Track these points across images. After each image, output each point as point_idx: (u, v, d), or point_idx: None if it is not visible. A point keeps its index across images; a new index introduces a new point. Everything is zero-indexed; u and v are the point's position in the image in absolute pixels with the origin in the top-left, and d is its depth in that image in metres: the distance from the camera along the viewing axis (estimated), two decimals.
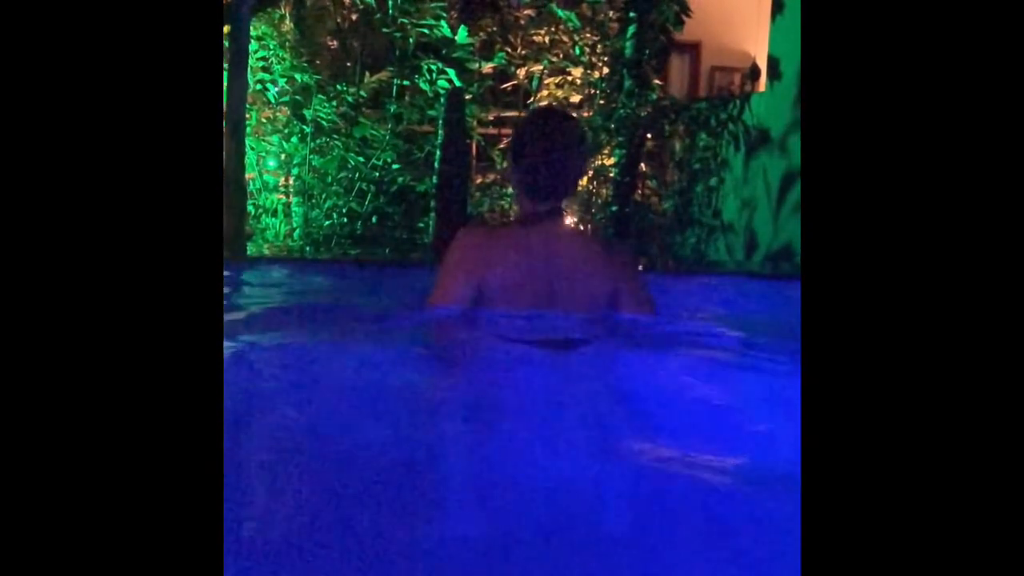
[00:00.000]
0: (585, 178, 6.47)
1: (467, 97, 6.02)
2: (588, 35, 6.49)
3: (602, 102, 6.37)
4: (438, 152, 5.93)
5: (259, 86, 5.65)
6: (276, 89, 5.76)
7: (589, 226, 6.52)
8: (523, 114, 6.42)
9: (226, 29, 5.57)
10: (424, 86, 5.74)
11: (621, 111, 6.06)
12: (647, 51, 6.13)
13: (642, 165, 6.40)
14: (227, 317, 2.28)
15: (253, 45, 5.38)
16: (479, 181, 6.74)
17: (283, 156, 5.93)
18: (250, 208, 5.58)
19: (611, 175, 6.35)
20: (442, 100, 5.83)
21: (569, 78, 6.63)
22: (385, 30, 5.77)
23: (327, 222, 5.85)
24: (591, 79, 6.55)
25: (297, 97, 5.73)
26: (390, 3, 5.66)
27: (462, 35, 5.67)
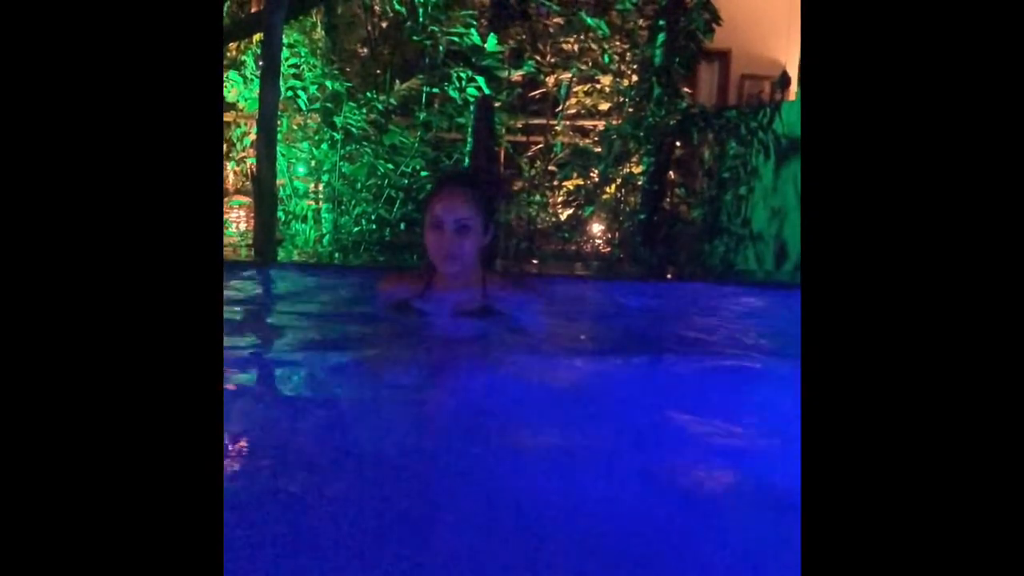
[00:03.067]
0: (613, 186, 6.47)
1: (496, 105, 6.04)
2: (617, 43, 6.48)
3: (631, 110, 6.36)
4: (467, 160, 5.96)
5: (290, 93, 5.71)
6: (307, 96, 5.81)
7: (616, 234, 6.50)
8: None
9: (258, 37, 5.64)
10: (453, 94, 5.77)
11: (650, 119, 6.04)
12: (676, 59, 6.11)
13: (671, 173, 6.38)
14: None
15: (285, 52, 5.44)
16: (507, 189, 6.76)
17: (313, 163, 5.99)
18: (280, 214, 5.63)
19: (639, 183, 6.34)
20: (471, 108, 5.86)
21: (598, 86, 6.63)
22: (415, 38, 5.81)
23: (356, 228, 5.90)
24: (620, 87, 6.54)
25: (328, 104, 5.78)
26: (420, 11, 5.70)
27: (491, 43, 5.70)
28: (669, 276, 5.79)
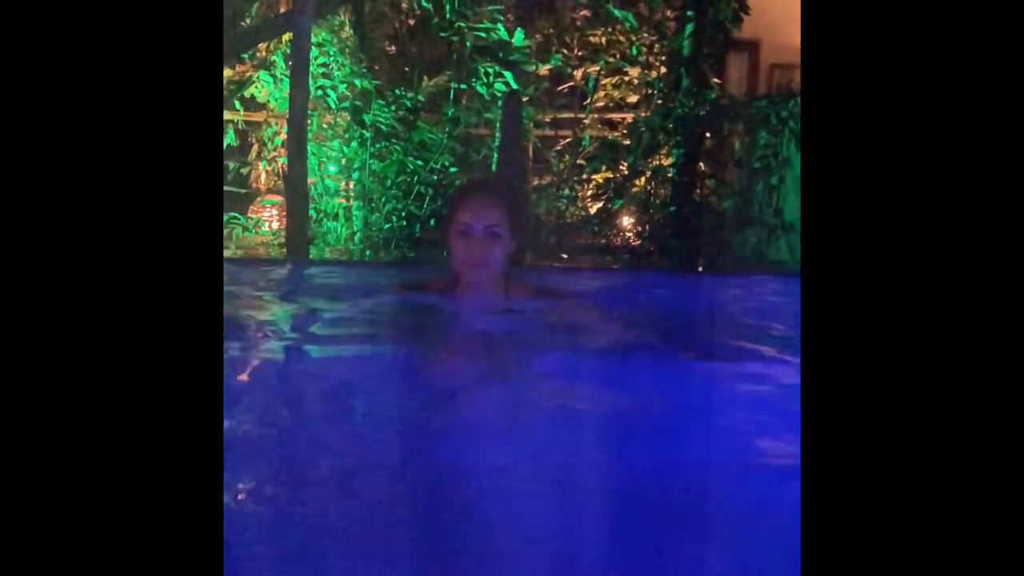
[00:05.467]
0: (643, 178, 6.44)
1: (524, 99, 6.03)
2: (645, 35, 6.45)
3: (660, 102, 6.32)
4: (495, 155, 5.96)
5: (320, 92, 5.75)
6: (336, 95, 5.85)
7: (647, 226, 6.47)
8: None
9: (287, 37, 5.69)
10: (481, 89, 5.77)
11: (679, 110, 6.00)
12: (705, 50, 6.07)
13: (701, 164, 6.34)
14: None
15: (314, 52, 5.48)
16: (535, 183, 6.76)
17: (343, 161, 6.03)
18: (312, 213, 5.68)
19: (669, 175, 6.30)
20: (499, 103, 5.86)
21: (626, 78, 6.60)
22: (442, 34, 5.82)
23: (387, 225, 5.93)
24: (648, 79, 6.50)
25: (357, 102, 5.81)
26: (447, 7, 5.71)
27: (519, 38, 5.69)
28: (700, 268, 5.76)
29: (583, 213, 6.57)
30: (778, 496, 1.19)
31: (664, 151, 6.29)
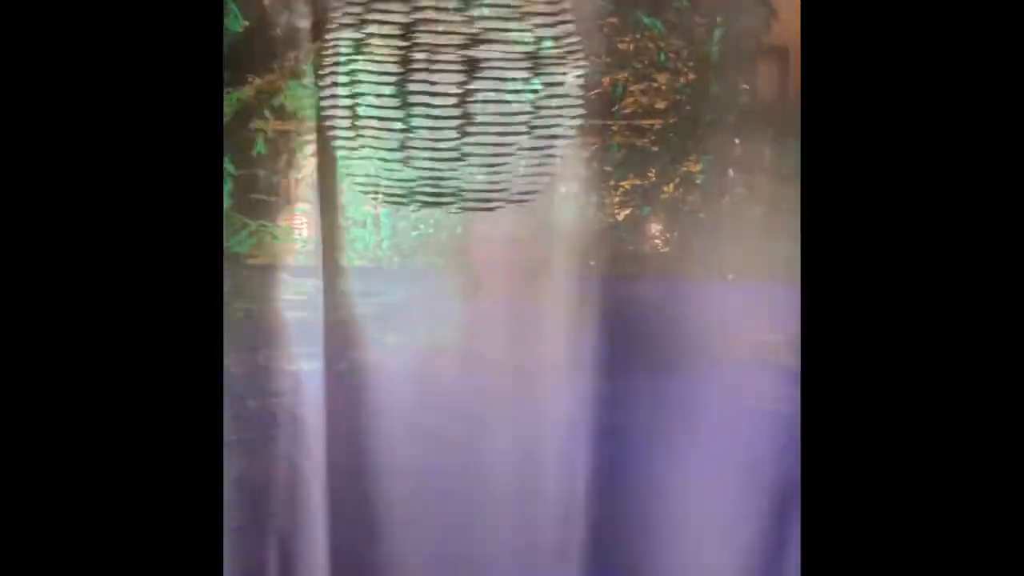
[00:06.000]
0: (671, 185, 6.41)
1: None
2: (674, 41, 6.42)
3: (689, 108, 6.29)
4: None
5: (349, 100, 5.79)
6: (365, 103, 5.89)
7: (675, 233, 6.44)
8: None
9: (317, 46, 5.74)
10: (509, 97, 5.78)
11: (708, 117, 5.97)
12: (734, 55, 6.04)
13: (730, 171, 6.30)
14: None
15: (343, 60, 5.51)
16: (562, 190, 6.74)
17: (372, 169, 6.06)
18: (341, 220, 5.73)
19: (698, 182, 6.27)
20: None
21: (654, 84, 6.57)
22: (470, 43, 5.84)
23: (414, 233, 5.95)
24: (677, 85, 6.47)
25: (386, 110, 5.85)
26: (475, 15, 5.73)
27: (546, 46, 5.70)
28: (730, 277, 5.72)
29: (611, 220, 6.54)
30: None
31: (693, 158, 6.26)
